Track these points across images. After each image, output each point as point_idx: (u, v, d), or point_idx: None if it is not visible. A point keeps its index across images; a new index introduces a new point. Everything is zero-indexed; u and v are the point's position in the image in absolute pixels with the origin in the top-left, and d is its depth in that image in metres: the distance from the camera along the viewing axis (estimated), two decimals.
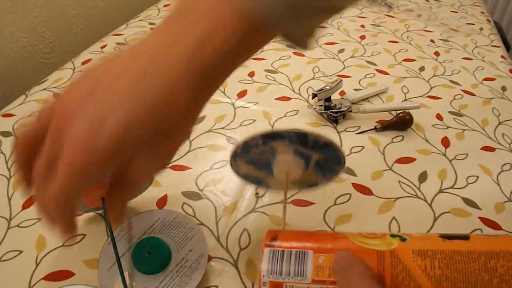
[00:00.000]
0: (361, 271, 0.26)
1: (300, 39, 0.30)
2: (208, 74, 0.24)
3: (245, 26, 0.23)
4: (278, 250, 0.29)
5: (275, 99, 0.66)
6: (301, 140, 0.35)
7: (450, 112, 0.64)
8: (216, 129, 0.59)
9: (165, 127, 0.23)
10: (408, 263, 0.27)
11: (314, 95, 0.59)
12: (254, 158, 0.39)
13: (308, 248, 0.29)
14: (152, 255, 0.39)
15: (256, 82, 0.70)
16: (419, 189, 0.50)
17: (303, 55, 0.78)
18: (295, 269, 0.28)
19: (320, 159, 0.37)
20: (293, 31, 0.28)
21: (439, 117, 0.63)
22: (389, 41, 0.85)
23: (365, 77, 0.72)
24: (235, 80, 0.70)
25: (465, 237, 0.28)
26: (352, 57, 0.79)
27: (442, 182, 0.51)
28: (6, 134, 0.58)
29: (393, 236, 0.29)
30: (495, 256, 0.26)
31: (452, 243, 0.28)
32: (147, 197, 0.49)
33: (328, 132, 0.59)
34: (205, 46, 0.23)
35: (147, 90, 0.22)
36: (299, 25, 0.28)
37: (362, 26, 0.91)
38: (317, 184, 0.41)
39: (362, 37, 0.86)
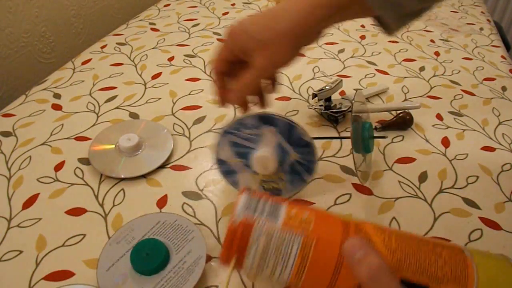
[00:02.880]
0: (377, 267, 0.27)
1: (391, 27, 0.39)
2: (316, 20, 0.37)
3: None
4: (255, 197, 0.31)
5: (275, 99, 0.66)
6: (288, 132, 0.37)
7: (450, 112, 0.64)
8: (216, 129, 0.59)
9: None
10: (370, 233, 0.30)
11: (314, 95, 0.59)
12: (239, 141, 0.40)
13: (282, 203, 0.31)
14: (150, 256, 0.39)
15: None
16: (419, 189, 0.50)
17: (303, 55, 0.78)
18: (269, 210, 0.29)
19: (296, 161, 0.39)
20: (387, 19, 0.37)
21: (439, 117, 0.63)
22: (389, 41, 0.85)
23: (365, 77, 0.72)
24: None
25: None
26: (352, 57, 0.79)
27: (442, 182, 0.51)
28: (6, 134, 0.58)
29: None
30: (443, 246, 0.30)
31: (407, 232, 0.32)
32: (147, 197, 0.49)
33: (328, 132, 0.59)
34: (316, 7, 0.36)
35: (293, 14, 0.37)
36: (396, 16, 0.37)
37: (362, 26, 0.91)
38: (281, 192, 0.43)
39: (362, 37, 0.86)
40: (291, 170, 0.40)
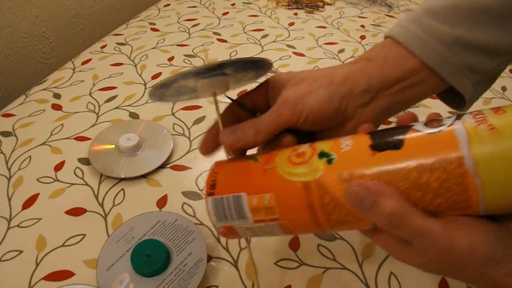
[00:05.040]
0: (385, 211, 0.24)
1: (464, 99, 0.38)
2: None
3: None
4: (218, 198, 0.31)
5: None
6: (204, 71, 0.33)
7: (450, 112, 0.63)
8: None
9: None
10: (335, 191, 0.26)
11: None
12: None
13: (242, 190, 0.30)
14: (151, 257, 0.39)
15: (256, 82, 0.70)
16: None
17: (303, 55, 0.78)
18: (236, 214, 0.30)
19: (235, 68, 0.35)
20: (461, 89, 0.36)
21: None
22: None
23: None
24: None
25: (397, 145, 0.26)
26: (352, 57, 0.79)
27: None
28: (6, 134, 0.58)
29: (320, 156, 0.28)
30: (429, 169, 0.24)
31: (381, 157, 0.26)
32: (147, 197, 0.49)
33: None
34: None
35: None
36: (471, 85, 0.36)
37: (362, 26, 0.91)
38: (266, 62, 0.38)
39: (362, 37, 0.86)
40: (244, 69, 0.36)
